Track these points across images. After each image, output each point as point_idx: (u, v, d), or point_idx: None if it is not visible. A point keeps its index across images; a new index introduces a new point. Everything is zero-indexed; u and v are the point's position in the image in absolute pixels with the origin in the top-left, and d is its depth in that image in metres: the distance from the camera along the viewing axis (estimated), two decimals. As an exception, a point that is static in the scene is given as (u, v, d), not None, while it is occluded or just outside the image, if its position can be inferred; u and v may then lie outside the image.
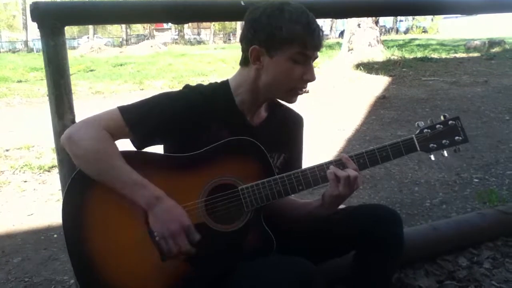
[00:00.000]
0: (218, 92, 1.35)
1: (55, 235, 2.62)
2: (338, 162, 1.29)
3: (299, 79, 1.28)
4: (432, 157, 1.35)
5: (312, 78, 1.29)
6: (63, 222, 1.23)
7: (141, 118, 1.26)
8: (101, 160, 1.21)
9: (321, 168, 1.30)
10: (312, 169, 1.30)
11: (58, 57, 1.44)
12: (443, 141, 1.34)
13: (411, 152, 1.33)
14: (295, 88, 1.30)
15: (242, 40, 1.32)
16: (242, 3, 1.52)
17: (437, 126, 1.34)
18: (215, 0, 1.65)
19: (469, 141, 1.36)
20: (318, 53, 1.29)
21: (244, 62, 1.33)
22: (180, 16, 1.63)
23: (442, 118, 1.35)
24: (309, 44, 1.25)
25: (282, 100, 1.36)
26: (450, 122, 1.35)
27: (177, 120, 1.28)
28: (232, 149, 1.28)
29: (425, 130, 1.34)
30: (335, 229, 1.40)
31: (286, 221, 1.45)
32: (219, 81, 1.41)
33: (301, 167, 1.46)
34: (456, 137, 1.34)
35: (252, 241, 1.28)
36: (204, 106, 1.31)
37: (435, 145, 1.34)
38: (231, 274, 1.23)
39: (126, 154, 1.24)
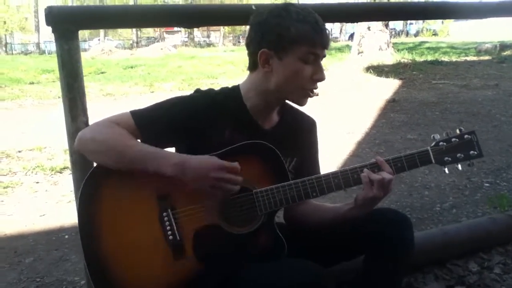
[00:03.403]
0: (229, 97, 1.36)
1: (67, 236, 2.65)
2: (373, 165, 1.31)
3: (309, 79, 1.28)
4: (446, 170, 1.35)
5: (322, 77, 1.29)
6: (79, 221, 1.24)
7: (151, 122, 1.28)
8: (116, 144, 1.22)
9: (336, 176, 1.30)
10: (326, 176, 1.31)
11: (72, 61, 1.46)
12: (458, 155, 1.34)
13: (426, 164, 1.33)
14: (306, 88, 1.30)
15: (249, 45, 1.32)
16: (253, 7, 1.53)
17: (453, 139, 1.34)
18: (227, 5, 1.66)
19: (483, 156, 1.35)
20: (328, 56, 1.30)
21: (253, 66, 1.33)
22: (191, 20, 1.64)
23: (458, 131, 1.35)
24: (317, 42, 1.25)
25: (293, 102, 1.36)
26: (466, 136, 1.34)
27: (188, 124, 1.30)
28: (247, 153, 1.28)
29: (441, 143, 1.34)
30: (345, 232, 1.40)
31: (310, 225, 1.45)
32: (230, 85, 1.42)
33: (318, 171, 1.47)
34: (471, 152, 1.34)
35: (263, 244, 1.29)
36: (215, 111, 1.32)
37: (449, 159, 1.33)
38: (241, 275, 1.24)
39: None
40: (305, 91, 1.31)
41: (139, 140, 1.26)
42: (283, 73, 1.27)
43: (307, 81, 1.28)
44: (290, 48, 1.24)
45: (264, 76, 1.31)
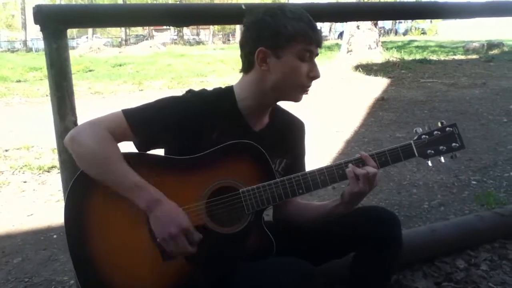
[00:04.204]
0: (222, 97, 1.36)
1: (55, 236, 2.63)
2: (358, 160, 1.32)
3: (305, 76, 1.29)
4: (430, 163, 1.38)
5: (317, 74, 1.31)
6: (65, 222, 1.23)
7: (144, 122, 1.27)
8: (103, 162, 1.21)
9: (321, 172, 1.31)
10: (312, 172, 1.32)
11: (61, 59, 1.45)
12: (440, 147, 1.36)
13: (409, 158, 1.36)
14: (303, 86, 1.31)
15: (244, 45, 1.31)
16: (243, 7, 1.53)
17: (435, 132, 1.36)
18: (217, 4, 1.66)
19: (465, 147, 1.38)
20: (318, 53, 1.32)
21: (248, 67, 1.33)
22: (181, 19, 1.64)
23: (439, 124, 1.37)
24: (313, 39, 1.27)
25: (289, 99, 1.35)
26: (447, 128, 1.36)
27: (180, 125, 1.29)
28: (234, 152, 1.29)
29: (423, 136, 1.36)
30: (335, 230, 1.41)
31: (299, 224, 1.46)
32: (220, 83, 1.42)
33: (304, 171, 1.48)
34: (453, 144, 1.36)
35: (252, 243, 1.30)
36: (208, 111, 1.32)
37: (432, 151, 1.36)
38: (231, 275, 1.24)
39: (128, 156, 1.25)
40: (303, 89, 1.32)
41: (125, 158, 1.24)
42: (282, 70, 1.28)
43: (304, 79, 1.29)
44: (287, 45, 1.25)
45: (261, 76, 1.30)
